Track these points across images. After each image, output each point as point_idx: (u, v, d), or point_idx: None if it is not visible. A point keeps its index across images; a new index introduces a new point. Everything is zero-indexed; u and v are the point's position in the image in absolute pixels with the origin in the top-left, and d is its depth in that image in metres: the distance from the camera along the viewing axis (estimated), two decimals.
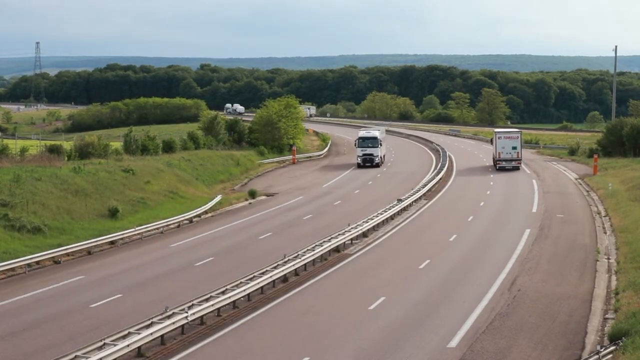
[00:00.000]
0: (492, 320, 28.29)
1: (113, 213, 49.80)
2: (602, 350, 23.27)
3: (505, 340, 26.10)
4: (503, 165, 79.92)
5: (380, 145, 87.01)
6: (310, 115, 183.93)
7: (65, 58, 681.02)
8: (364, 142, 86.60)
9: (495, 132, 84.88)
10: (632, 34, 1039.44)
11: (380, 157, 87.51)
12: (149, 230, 47.12)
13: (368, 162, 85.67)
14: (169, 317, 26.36)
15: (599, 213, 53.04)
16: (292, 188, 69.16)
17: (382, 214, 48.95)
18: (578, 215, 52.62)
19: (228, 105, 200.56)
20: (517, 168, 79.72)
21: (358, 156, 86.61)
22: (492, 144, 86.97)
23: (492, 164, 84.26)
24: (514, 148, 79.96)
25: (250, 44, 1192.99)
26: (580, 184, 69.04)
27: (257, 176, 79.25)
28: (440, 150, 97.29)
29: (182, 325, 26.91)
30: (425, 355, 24.84)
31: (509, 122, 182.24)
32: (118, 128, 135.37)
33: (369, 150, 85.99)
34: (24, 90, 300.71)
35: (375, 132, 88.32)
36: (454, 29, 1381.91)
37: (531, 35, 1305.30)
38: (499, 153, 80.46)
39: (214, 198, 58.74)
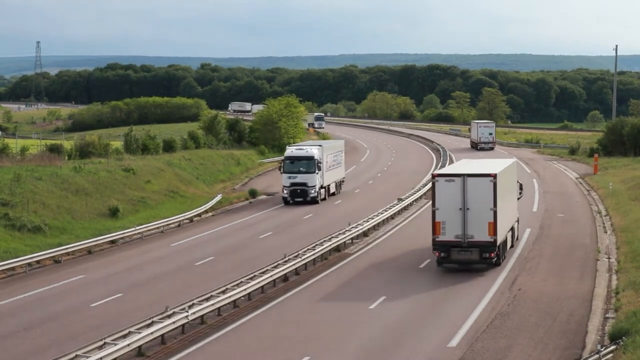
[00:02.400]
0: (492, 320, 28.27)
1: (113, 212, 49.80)
2: (602, 349, 23.26)
3: (505, 340, 26.08)
4: (482, 147, 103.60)
5: (320, 169, 58.07)
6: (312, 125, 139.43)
7: (65, 57, 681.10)
8: (293, 164, 57.76)
9: (475, 122, 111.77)
10: (633, 34, 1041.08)
11: (321, 189, 58.71)
12: (149, 230, 47.13)
13: (298, 197, 57.34)
14: (169, 316, 26.35)
15: (599, 212, 53.01)
16: None
17: (382, 213, 48.94)
18: (578, 214, 52.60)
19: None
20: (492, 148, 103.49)
21: (284, 187, 57.90)
22: (470, 131, 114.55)
23: (470, 146, 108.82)
24: (490, 134, 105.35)
25: (251, 44, 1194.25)
26: (581, 184, 69.03)
27: (258, 175, 79.23)
28: (441, 150, 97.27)
29: (183, 325, 26.90)
30: (426, 354, 24.83)
31: (509, 122, 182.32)
32: (118, 127, 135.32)
33: (300, 178, 57.35)
34: (25, 89, 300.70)
35: (311, 150, 58.68)
36: (454, 29, 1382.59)
37: (531, 35, 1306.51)
38: (480, 138, 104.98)
39: (215, 197, 58.73)
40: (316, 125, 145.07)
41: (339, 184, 64.38)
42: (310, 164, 57.72)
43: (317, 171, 57.76)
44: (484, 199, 34.50)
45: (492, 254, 34.97)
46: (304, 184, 57.48)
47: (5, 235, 41.14)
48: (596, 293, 32.17)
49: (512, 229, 39.51)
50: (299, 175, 57.36)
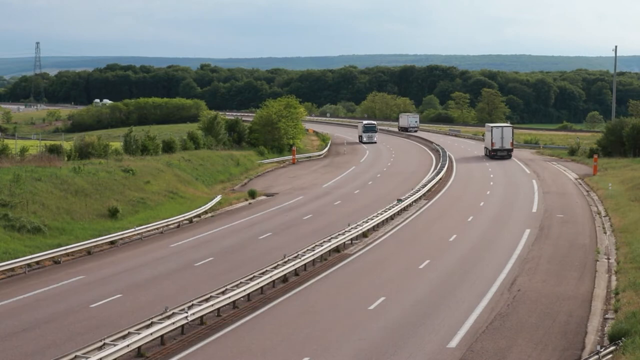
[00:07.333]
0: (492, 321, 28.30)
1: (113, 213, 49.77)
2: (602, 350, 23.28)
3: (505, 341, 26.11)
4: (410, 130, 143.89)
5: None
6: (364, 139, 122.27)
7: (65, 58, 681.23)
8: None
9: (405, 114, 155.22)
10: (632, 34, 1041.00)
11: None
12: (148, 230, 47.12)
13: None
14: (168, 317, 26.35)
15: (598, 213, 53.04)
16: (292, 188, 69.16)
17: (382, 214, 48.95)
18: (578, 215, 52.62)
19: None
20: (416, 131, 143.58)
21: None
22: (398, 120, 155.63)
23: (398, 130, 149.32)
24: (415, 122, 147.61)
25: (250, 44, 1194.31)
26: (580, 184, 69.04)
27: (257, 176, 79.22)
28: (440, 151, 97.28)
29: (182, 326, 26.91)
30: (425, 355, 24.85)
31: (508, 122, 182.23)
32: (118, 128, 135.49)
33: None
34: (24, 90, 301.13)
35: None
36: (454, 29, 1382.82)
37: (531, 36, 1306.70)
38: (409, 124, 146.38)
39: (214, 198, 58.72)
40: (365, 139, 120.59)
41: None
42: None
43: None
44: (508, 134, 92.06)
45: (512, 153, 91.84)
46: None
47: (5, 236, 41.13)
48: (595, 294, 32.20)
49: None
50: None
